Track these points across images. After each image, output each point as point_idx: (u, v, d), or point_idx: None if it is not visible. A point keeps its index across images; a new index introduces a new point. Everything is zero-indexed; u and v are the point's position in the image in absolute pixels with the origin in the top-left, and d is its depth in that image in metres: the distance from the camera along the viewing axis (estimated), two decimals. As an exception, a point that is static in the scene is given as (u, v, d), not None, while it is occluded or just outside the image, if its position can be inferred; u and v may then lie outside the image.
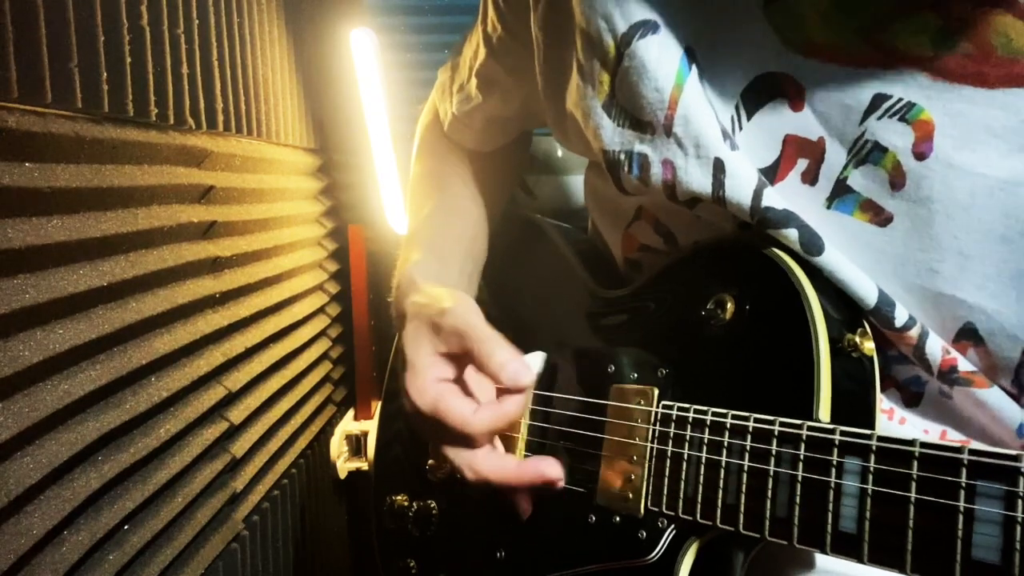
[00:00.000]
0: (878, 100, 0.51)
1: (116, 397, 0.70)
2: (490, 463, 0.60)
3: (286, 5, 1.22)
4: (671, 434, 0.57)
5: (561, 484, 0.60)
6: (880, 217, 0.53)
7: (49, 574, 0.59)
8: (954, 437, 0.60)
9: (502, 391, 0.59)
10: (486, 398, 0.61)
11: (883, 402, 0.58)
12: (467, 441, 0.60)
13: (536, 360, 0.64)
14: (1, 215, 0.56)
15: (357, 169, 1.46)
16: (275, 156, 1.15)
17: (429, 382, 0.61)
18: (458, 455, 0.60)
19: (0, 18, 0.56)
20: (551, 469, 0.59)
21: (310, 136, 1.34)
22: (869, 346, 0.53)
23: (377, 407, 1.12)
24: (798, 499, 0.48)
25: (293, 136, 1.24)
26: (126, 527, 0.70)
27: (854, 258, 0.54)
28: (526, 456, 0.71)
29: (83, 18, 0.66)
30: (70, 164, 0.65)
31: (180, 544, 0.79)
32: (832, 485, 0.46)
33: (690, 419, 0.56)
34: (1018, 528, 0.38)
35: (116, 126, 0.72)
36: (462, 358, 0.62)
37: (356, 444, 1.43)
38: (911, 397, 0.60)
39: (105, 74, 0.69)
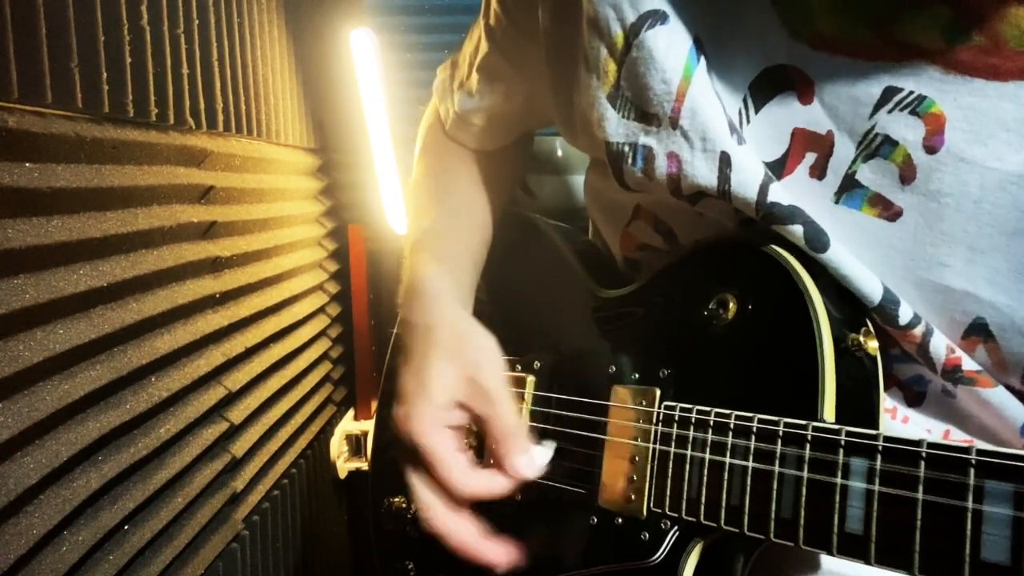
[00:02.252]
0: (888, 93, 0.51)
1: (116, 397, 0.70)
2: (451, 525, 0.60)
3: (286, 5, 1.22)
4: (673, 435, 0.57)
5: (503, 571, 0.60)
6: (889, 211, 0.53)
7: (49, 574, 0.59)
8: (957, 436, 0.59)
9: (498, 468, 0.60)
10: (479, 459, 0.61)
11: (886, 401, 0.58)
12: (445, 495, 0.60)
13: (543, 456, 0.64)
14: (1, 215, 0.56)
15: (357, 169, 1.46)
16: (275, 156, 1.15)
17: (434, 422, 0.61)
18: (429, 501, 0.60)
19: (0, 18, 0.56)
20: (503, 561, 0.60)
21: (310, 136, 1.33)
22: (873, 345, 0.53)
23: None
24: (803, 500, 0.47)
25: (293, 136, 1.24)
26: (126, 527, 0.70)
27: (862, 253, 0.54)
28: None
29: (83, 18, 0.66)
30: (70, 164, 0.64)
31: (180, 544, 0.78)
32: (838, 486, 0.46)
33: (692, 420, 0.56)
34: (1027, 528, 0.38)
35: (116, 126, 0.71)
36: (477, 417, 0.62)
37: (356, 444, 1.43)
38: (914, 396, 0.60)
39: (105, 74, 0.69)
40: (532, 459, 0.60)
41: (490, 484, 0.60)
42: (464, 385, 0.62)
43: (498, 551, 0.60)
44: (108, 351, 0.69)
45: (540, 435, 0.70)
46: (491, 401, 0.60)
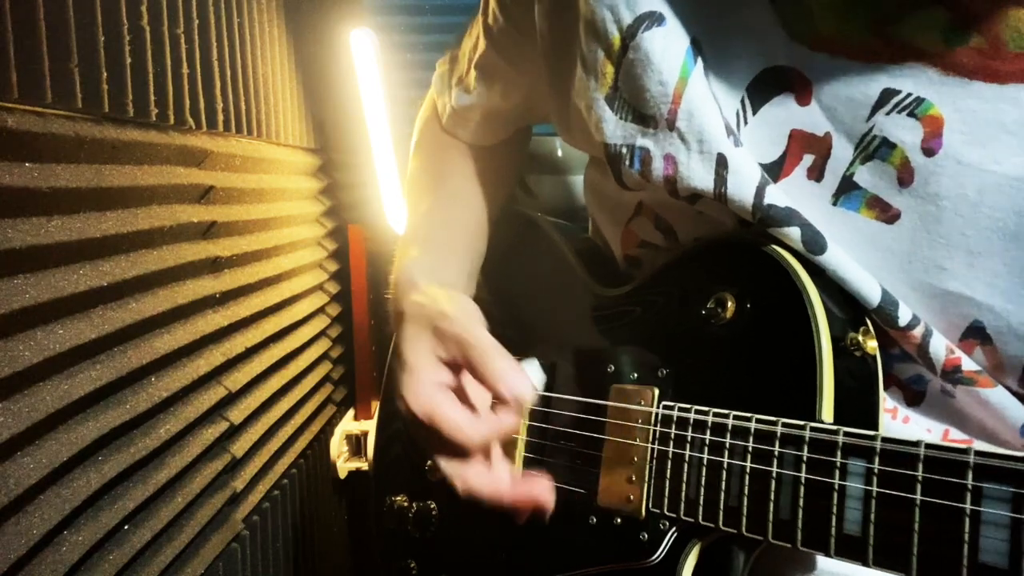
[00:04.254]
0: (887, 95, 0.51)
1: (116, 397, 0.70)
2: (482, 478, 0.59)
3: (286, 5, 1.22)
4: (672, 435, 0.57)
5: (551, 508, 0.60)
6: (887, 214, 0.53)
7: (49, 574, 0.59)
8: (956, 436, 0.59)
9: (499, 403, 0.58)
10: (483, 407, 0.60)
11: (886, 401, 0.58)
12: (460, 451, 0.59)
13: (535, 372, 0.63)
14: (1, 215, 0.56)
15: (357, 169, 1.45)
16: (275, 156, 1.15)
17: (426, 387, 0.60)
18: (450, 465, 0.59)
19: (0, 18, 0.56)
20: (544, 493, 0.59)
21: (310, 136, 1.33)
22: (872, 345, 0.53)
23: (377, 407, 1.11)
24: (801, 501, 0.47)
25: (293, 136, 1.24)
26: (126, 527, 0.70)
27: (860, 255, 0.54)
28: (526, 457, 0.71)
29: (83, 18, 0.66)
30: (70, 164, 0.64)
31: (180, 544, 0.78)
32: (836, 487, 0.46)
33: (691, 420, 0.56)
34: (1026, 531, 0.38)
35: (116, 126, 0.71)
36: (461, 365, 0.61)
37: (356, 444, 1.43)
38: (913, 396, 0.60)
39: (105, 74, 0.69)
40: (522, 376, 0.57)
41: (499, 422, 0.58)
42: (437, 340, 0.61)
43: (537, 487, 0.59)
44: (108, 351, 0.69)
45: (539, 435, 0.71)
46: (461, 341, 0.59)
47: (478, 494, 0.59)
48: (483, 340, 0.59)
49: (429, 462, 0.79)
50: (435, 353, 0.61)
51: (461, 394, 0.62)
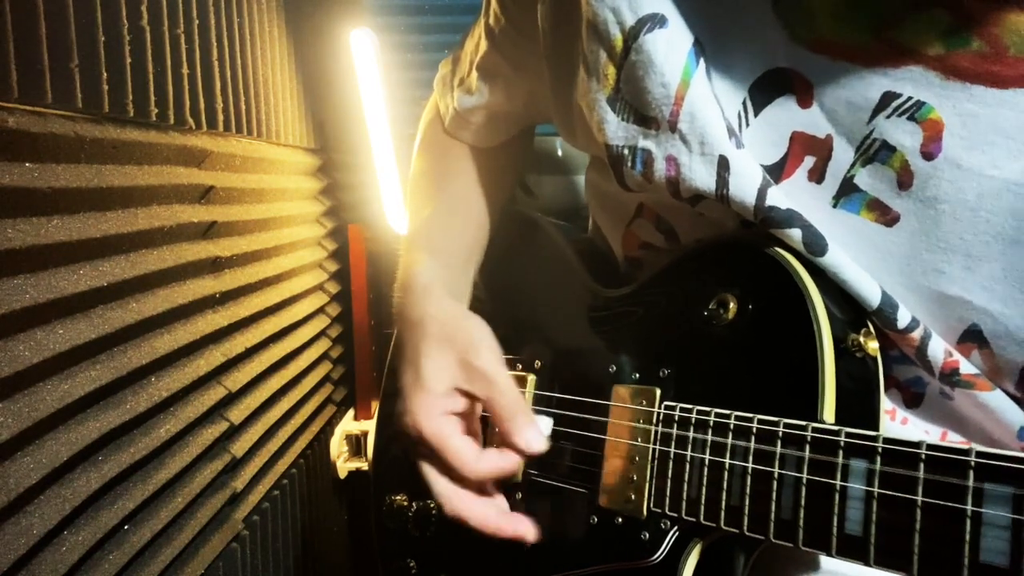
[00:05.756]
0: (887, 98, 0.51)
1: (116, 397, 0.70)
2: (469, 504, 0.61)
3: (286, 5, 1.22)
4: (673, 435, 0.57)
5: (530, 542, 0.62)
6: (887, 217, 0.53)
7: (49, 574, 0.59)
8: (954, 439, 0.59)
9: (507, 448, 0.61)
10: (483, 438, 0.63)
11: (885, 403, 0.58)
12: (459, 479, 0.61)
13: (546, 427, 0.65)
14: (1, 215, 0.56)
15: (357, 169, 1.46)
16: (275, 156, 1.15)
17: (439, 412, 0.62)
18: (444, 487, 0.62)
19: (0, 18, 0.56)
20: (526, 533, 0.61)
21: (310, 136, 1.33)
22: (873, 346, 0.53)
23: (377, 407, 1.11)
24: (803, 501, 0.47)
25: (293, 136, 1.24)
26: (126, 527, 0.70)
27: (859, 257, 0.54)
28: (525, 467, 0.71)
29: (83, 18, 0.66)
30: (70, 164, 0.64)
31: (180, 544, 0.78)
32: (837, 487, 0.46)
33: (692, 420, 0.56)
34: (1027, 531, 0.38)
35: (116, 126, 0.71)
36: (478, 399, 0.63)
37: (356, 444, 1.43)
38: (912, 398, 0.60)
39: (105, 74, 0.69)
40: (538, 432, 0.60)
41: (501, 462, 0.61)
42: (460, 370, 0.63)
43: (521, 524, 0.61)
44: (108, 351, 0.69)
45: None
46: (489, 381, 0.61)
47: (463, 520, 0.61)
48: (509, 388, 0.61)
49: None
50: (456, 382, 0.63)
51: (469, 423, 0.64)
